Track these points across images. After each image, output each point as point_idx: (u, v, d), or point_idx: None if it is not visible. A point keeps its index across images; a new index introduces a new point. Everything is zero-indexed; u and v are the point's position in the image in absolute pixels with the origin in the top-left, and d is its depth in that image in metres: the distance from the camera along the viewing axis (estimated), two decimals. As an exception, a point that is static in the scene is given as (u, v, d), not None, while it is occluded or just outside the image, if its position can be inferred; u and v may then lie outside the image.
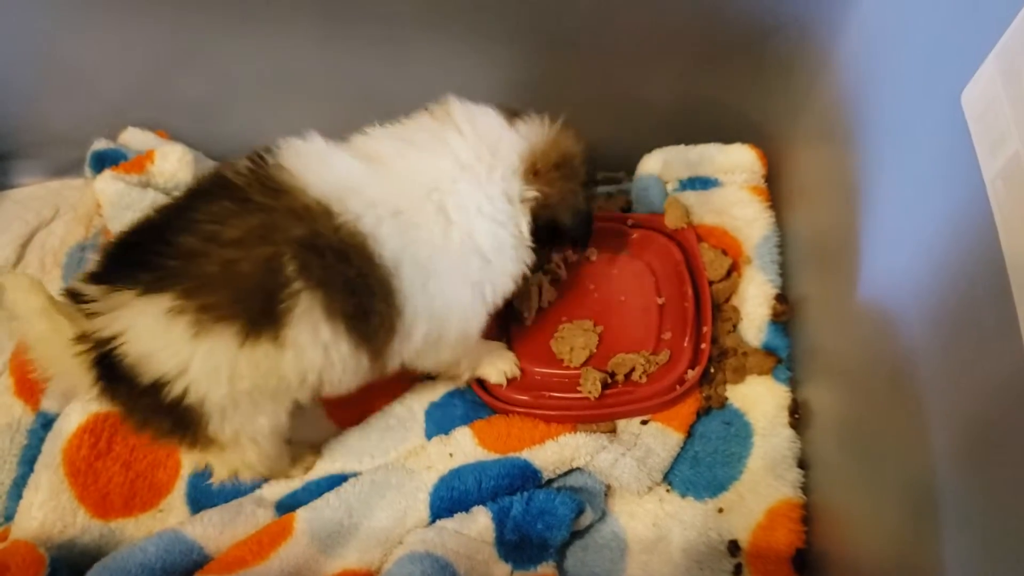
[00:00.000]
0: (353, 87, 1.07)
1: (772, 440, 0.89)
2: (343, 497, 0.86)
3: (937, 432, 0.60)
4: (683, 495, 0.89)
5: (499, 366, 0.94)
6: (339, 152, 0.77)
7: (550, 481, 0.89)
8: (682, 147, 1.12)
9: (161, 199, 1.05)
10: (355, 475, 0.90)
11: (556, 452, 0.88)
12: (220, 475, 0.87)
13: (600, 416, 0.93)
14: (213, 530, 0.84)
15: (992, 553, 0.52)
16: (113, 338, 0.69)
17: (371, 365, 0.78)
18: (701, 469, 0.90)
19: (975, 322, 0.55)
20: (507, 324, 1.01)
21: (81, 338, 0.70)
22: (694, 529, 0.86)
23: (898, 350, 0.67)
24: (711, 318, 0.98)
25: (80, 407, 0.90)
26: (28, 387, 0.98)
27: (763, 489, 0.86)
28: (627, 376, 0.94)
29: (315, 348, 0.72)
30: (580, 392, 0.93)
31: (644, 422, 0.93)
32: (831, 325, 0.88)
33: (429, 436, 0.93)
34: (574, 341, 0.97)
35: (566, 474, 0.90)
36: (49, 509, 0.86)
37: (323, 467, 0.92)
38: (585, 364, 0.96)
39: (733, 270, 1.03)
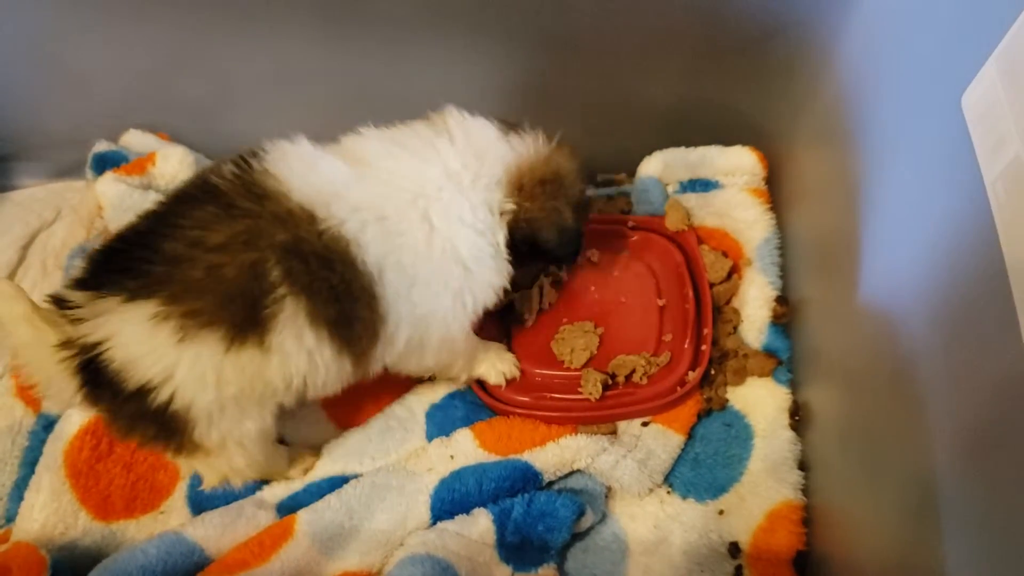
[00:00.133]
0: (353, 88, 1.07)
1: (773, 442, 0.89)
2: (344, 499, 0.86)
3: (938, 433, 0.60)
4: (684, 497, 0.89)
5: (499, 367, 0.94)
6: (325, 156, 0.76)
7: (551, 483, 0.89)
8: (682, 149, 1.12)
9: (162, 201, 1.05)
10: (356, 477, 0.90)
11: (557, 454, 0.88)
12: (210, 481, 0.87)
13: (601, 418, 0.93)
14: (214, 532, 0.84)
15: (993, 554, 0.52)
16: (98, 344, 0.69)
17: (354, 370, 0.78)
18: (702, 471, 0.90)
19: (975, 323, 0.56)
20: (507, 325, 1.01)
21: (65, 344, 0.70)
22: (695, 531, 0.86)
23: (899, 352, 0.67)
24: (712, 320, 0.98)
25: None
26: (29, 389, 0.98)
27: (764, 491, 0.86)
28: (628, 378, 0.94)
29: (300, 353, 0.72)
30: (581, 394, 0.93)
31: (645, 424, 0.93)
32: (832, 327, 0.88)
33: (430, 438, 0.93)
34: (575, 342, 0.97)
35: (567, 476, 0.90)
36: (50, 511, 0.86)
37: (324, 468, 0.92)
38: (586, 365, 0.96)
39: (734, 272, 1.03)
